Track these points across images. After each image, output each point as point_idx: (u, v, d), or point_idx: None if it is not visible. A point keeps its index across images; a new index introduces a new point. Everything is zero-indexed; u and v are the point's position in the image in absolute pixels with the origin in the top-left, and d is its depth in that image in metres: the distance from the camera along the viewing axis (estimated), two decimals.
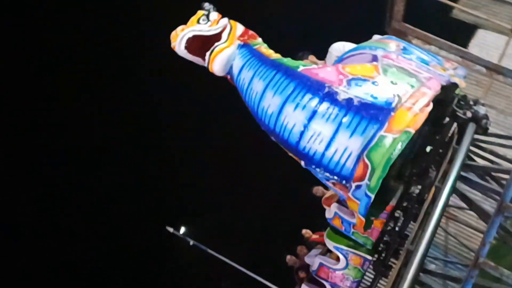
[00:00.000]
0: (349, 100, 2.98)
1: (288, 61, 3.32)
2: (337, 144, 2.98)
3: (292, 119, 3.05)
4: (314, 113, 3.00)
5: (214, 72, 3.50)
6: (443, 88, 3.16)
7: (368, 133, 2.89)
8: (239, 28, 3.66)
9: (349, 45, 5.17)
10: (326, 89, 3.02)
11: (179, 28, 3.52)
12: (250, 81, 3.30)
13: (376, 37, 4.20)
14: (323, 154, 3.03)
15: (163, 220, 14.96)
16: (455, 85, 3.37)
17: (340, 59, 3.82)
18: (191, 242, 13.32)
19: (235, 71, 3.46)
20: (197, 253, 13.61)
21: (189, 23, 3.59)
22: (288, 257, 7.55)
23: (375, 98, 2.98)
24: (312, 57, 5.52)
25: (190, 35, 3.45)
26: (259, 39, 3.69)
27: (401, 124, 2.84)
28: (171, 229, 13.65)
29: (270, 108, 3.14)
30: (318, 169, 3.13)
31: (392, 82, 3.07)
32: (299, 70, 3.18)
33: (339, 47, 5.18)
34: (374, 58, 3.36)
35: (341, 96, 2.99)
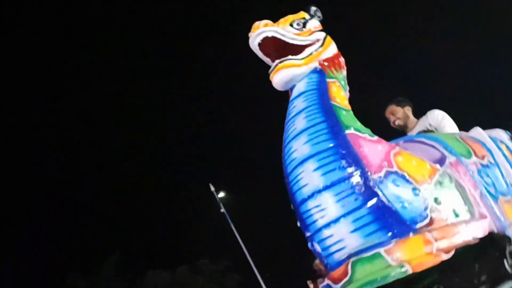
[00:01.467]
0: (374, 195, 2.49)
1: (345, 115, 2.78)
2: (336, 229, 2.53)
3: (307, 178, 2.61)
4: (331, 185, 2.54)
5: (272, 83, 3.03)
6: (490, 235, 2.59)
7: (371, 240, 2.42)
8: (331, 50, 3.05)
9: (447, 119, 4.65)
10: (358, 169, 2.54)
11: (264, 21, 2.95)
12: (297, 114, 2.83)
13: (476, 130, 3.55)
14: (319, 230, 2.60)
15: (210, 177, 15.10)
16: (507, 238, 2.76)
17: (411, 139, 3.29)
18: (222, 210, 13.26)
19: (295, 93, 2.95)
20: (221, 222, 13.60)
21: (281, 20, 3.04)
22: (317, 261, 7.47)
23: (404, 208, 2.47)
24: (408, 109, 5.14)
25: (270, 35, 2.89)
26: (343, 73, 3.08)
27: (406, 254, 2.32)
28: (212, 188, 13.66)
29: (295, 153, 2.70)
30: (309, 238, 2.73)
31: (436, 200, 2.53)
32: (346, 132, 2.67)
33: (437, 116, 4.73)
34: (441, 160, 2.80)
35: (369, 185, 2.52)
